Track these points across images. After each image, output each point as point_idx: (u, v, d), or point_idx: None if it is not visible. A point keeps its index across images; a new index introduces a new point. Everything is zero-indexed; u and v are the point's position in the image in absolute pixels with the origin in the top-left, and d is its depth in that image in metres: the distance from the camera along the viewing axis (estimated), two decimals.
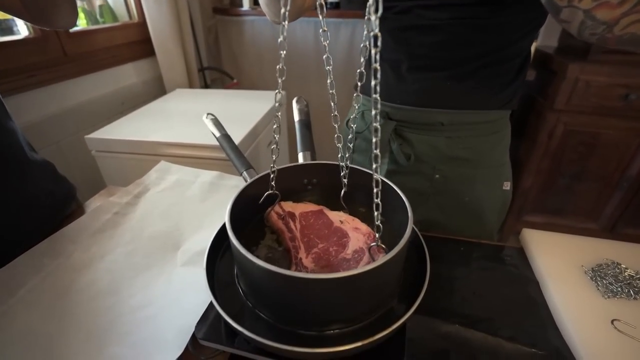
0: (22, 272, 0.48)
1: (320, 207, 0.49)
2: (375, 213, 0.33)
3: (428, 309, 0.39)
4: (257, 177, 0.46)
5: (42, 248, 0.52)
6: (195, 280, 0.49)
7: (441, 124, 0.58)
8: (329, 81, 0.41)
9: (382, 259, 0.31)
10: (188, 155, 0.87)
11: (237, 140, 0.87)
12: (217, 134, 0.60)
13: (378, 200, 0.33)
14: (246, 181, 0.51)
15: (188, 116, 1.07)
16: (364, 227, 0.46)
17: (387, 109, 0.62)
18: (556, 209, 1.42)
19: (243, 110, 1.09)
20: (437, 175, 0.62)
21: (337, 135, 0.45)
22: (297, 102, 0.60)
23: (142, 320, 0.43)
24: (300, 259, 0.42)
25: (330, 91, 0.42)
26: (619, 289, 0.46)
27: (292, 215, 0.47)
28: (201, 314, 0.41)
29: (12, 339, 0.40)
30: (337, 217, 0.47)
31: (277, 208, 0.47)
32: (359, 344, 0.30)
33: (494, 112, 0.59)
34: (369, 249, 0.39)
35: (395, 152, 0.61)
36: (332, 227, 0.46)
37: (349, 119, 0.70)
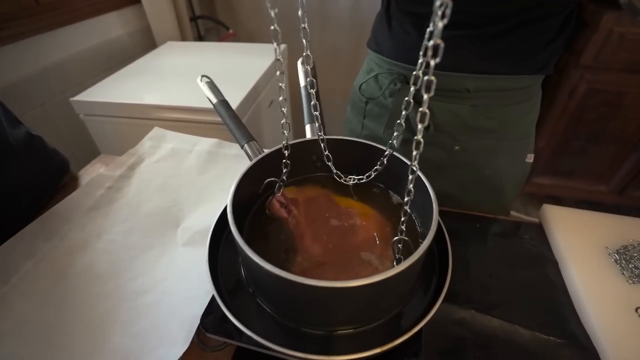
0: (13, 257, 0.45)
1: (326, 191, 0.46)
2: (405, 207, 0.31)
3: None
4: (259, 157, 0.41)
5: (33, 229, 0.49)
6: (197, 262, 0.47)
7: (467, 90, 0.52)
8: None
9: (403, 263, 0.27)
10: (184, 119, 0.80)
11: (236, 102, 0.80)
12: (214, 100, 0.54)
13: (410, 187, 0.30)
14: (247, 155, 0.47)
15: (182, 73, 0.98)
16: (372, 211, 0.43)
17: (405, 72, 0.55)
18: (567, 171, 1.38)
19: (241, 67, 1.00)
20: (456, 147, 0.57)
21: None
22: (302, 63, 0.53)
23: (145, 307, 0.41)
24: (306, 246, 0.39)
25: None
26: None
27: (295, 202, 0.44)
28: (205, 301, 0.39)
29: (10, 329, 0.38)
30: (344, 201, 0.45)
31: (278, 196, 0.43)
32: (371, 352, 0.28)
33: (528, 77, 0.52)
34: (393, 243, 0.36)
35: (412, 122, 0.55)
36: (340, 213, 0.43)
37: (361, 84, 0.62)
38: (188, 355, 0.36)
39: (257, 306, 0.35)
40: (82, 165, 0.70)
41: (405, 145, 0.59)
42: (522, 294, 0.45)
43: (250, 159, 0.46)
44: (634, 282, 0.44)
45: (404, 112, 0.26)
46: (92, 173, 0.65)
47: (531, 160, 0.59)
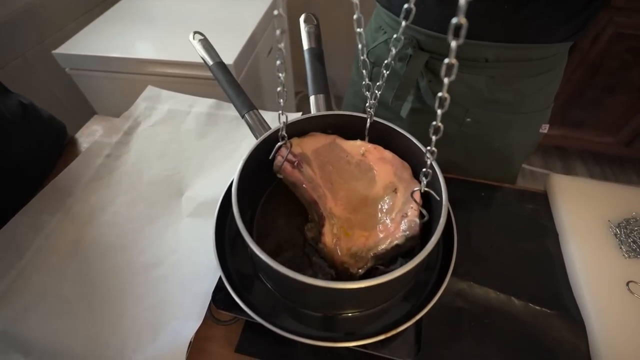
0: (23, 232, 0.46)
1: (333, 136, 0.42)
2: (428, 157, 0.29)
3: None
4: (261, 139, 0.39)
5: (37, 204, 0.49)
6: (204, 234, 0.47)
7: (485, 60, 0.47)
8: None
9: (412, 261, 0.27)
10: (178, 75, 0.75)
11: (232, 56, 0.74)
12: (210, 62, 0.50)
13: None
14: (248, 125, 0.44)
15: (170, 19, 0.89)
16: (388, 154, 0.40)
17: (419, 37, 0.49)
18: (576, 122, 1.34)
19: (236, 11, 0.90)
20: (468, 119, 0.53)
21: (363, 60, 0.37)
22: (305, 21, 0.48)
23: (156, 280, 0.43)
24: (330, 209, 0.37)
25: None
26: None
27: (305, 158, 0.40)
28: (214, 277, 0.41)
29: (31, 303, 0.40)
30: (357, 148, 0.42)
31: (289, 156, 0.39)
32: (376, 339, 0.30)
33: (555, 45, 0.46)
34: (412, 193, 0.35)
35: (423, 91, 0.51)
36: (354, 162, 0.41)
37: (369, 50, 0.56)
38: (201, 327, 0.39)
39: (263, 287, 0.36)
40: (77, 120, 0.67)
41: (414, 115, 0.56)
42: (520, 266, 0.47)
43: (251, 129, 0.44)
44: (630, 257, 0.45)
45: (438, 112, 0.23)
46: (89, 136, 0.63)
47: (545, 131, 0.56)
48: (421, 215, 0.34)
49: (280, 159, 0.38)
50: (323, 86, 0.44)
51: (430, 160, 0.28)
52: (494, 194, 0.55)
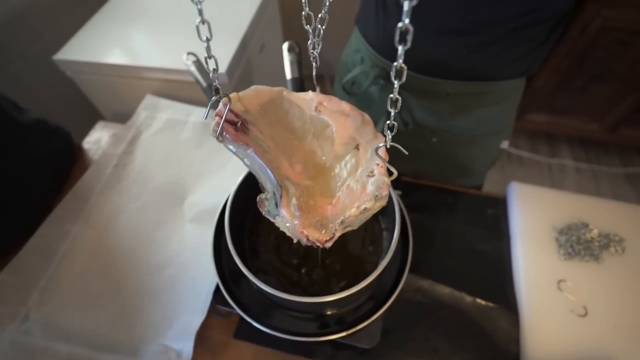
0: (50, 239, 0.54)
1: (280, 89, 0.35)
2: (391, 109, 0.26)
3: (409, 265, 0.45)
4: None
5: (59, 214, 0.56)
6: (205, 239, 0.55)
7: (447, 94, 0.52)
8: None
9: (377, 269, 0.35)
10: (179, 81, 0.79)
11: (225, 62, 0.78)
12: (204, 84, 0.55)
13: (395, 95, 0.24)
14: None
15: (167, 18, 0.90)
16: (346, 106, 0.34)
17: (388, 69, 0.54)
18: (563, 109, 1.37)
19: (230, 7, 0.91)
20: (434, 139, 0.60)
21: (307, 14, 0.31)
22: (288, 50, 0.52)
23: (167, 279, 0.52)
24: (287, 176, 0.33)
25: None
26: (577, 251, 0.53)
27: (249, 117, 0.33)
28: (214, 277, 0.49)
29: (65, 299, 0.49)
30: (307, 101, 0.35)
31: (229, 115, 0.31)
32: (342, 334, 0.39)
33: (510, 81, 0.52)
34: (376, 150, 0.31)
35: (394, 117, 0.56)
36: (307, 118, 0.35)
37: (344, 83, 0.60)
38: (205, 318, 0.47)
39: (253, 289, 0.45)
40: (79, 120, 0.71)
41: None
42: (475, 266, 0.55)
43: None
44: (565, 259, 0.53)
45: (392, 112, 0.24)
46: (95, 143, 0.69)
47: (505, 146, 0.63)
48: (389, 172, 0.31)
49: (219, 120, 0.29)
50: None
51: (393, 111, 0.25)
52: (459, 200, 0.62)
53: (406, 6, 0.17)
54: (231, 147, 0.30)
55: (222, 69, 0.75)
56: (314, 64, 0.35)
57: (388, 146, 0.30)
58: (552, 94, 1.33)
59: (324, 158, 0.35)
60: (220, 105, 0.30)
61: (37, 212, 0.57)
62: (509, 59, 0.48)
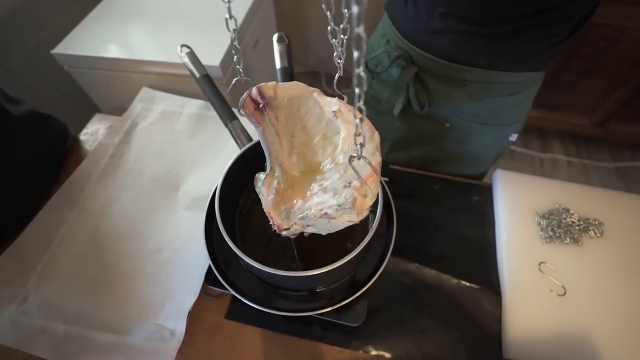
0: (49, 224, 0.55)
1: (315, 89, 0.38)
2: (357, 120, 0.25)
3: (396, 249, 0.46)
4: (241, 151, 0.47)
5: (57, 201, 0.58)
6: (198, 225, 0.56)
7: (464, 80, 0.54)
8: None
9: (361, 245, 0.37)
10: (174, 74, 0.80)
11: (218, 57, 0.79)
12: (197, 75, 0.56)
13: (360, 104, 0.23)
14: (231, 134, 0.52)
15: (163, 9, 0.92)
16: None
17: (411, 52, 0.57)
18: (553, 104, 1.40)
19: (221, 5, 0.92)
20: (447, 124, 0.62)
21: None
22: (278, 41, 0.54)
23: (161, 263, 0.53)
24: (281, 162, 0.36)
25: None
26: (557, 235, 0.55)
27: (274, 103, 0.37)
28: (206, 260, 0.51)
29: (65, 282, 0.51)
30: (331, 105, 0.37)
31: (254, 94, 0.36)
32: (326, 309, 0.40)
33: (525, 74, 0.53)
34: (349, 158, 0.29)
35: (411, 97, 0.59)
36: (325, 120, 0.37)
37: (367, 60, 0.63)
38: (197, 299, 0.49)
39: (243, 269, 0.46)
40: (77, 113, 0.73)
41: (404, 113, 0.64)
42: (461, 250, 0.57)
43: (234, 137, 0.52)
44: (546, 242, 0.55)
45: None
46: (92, 135, 0.70)
47: (514, 139, 0.65)
48: (365, 192, 0.31)
49: (245, 95, 0.36)
50: None
51: (359, 125, 0.24)
52: (446, 187, 0.64)
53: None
54: (248, 119, 0.36)
55: (216, 62, 0.77)
56: (338, 74, 0.36)
57: (359, 158, 0.28)
58: (542, 89, 1.34)
59: (321, 159, 0.37)
60: (254, 89, 0.36)
61: (33, 202, 0.58)
62: (528, 53, 0.50)
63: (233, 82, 0.37)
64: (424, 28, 0.53)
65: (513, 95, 0.57)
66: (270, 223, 0.35)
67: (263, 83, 0.37)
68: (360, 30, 0.17)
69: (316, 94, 0.38)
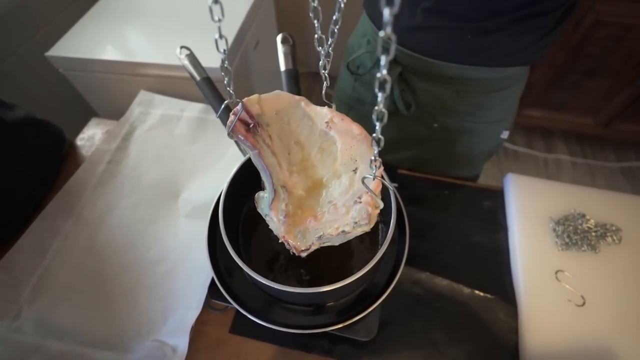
0: (43, 236, 0.53)
1: (300, 98, 0.37)
2: (375, 135, 0.26)
3: (406, 257, 0.44)
4: (246, 157, 0.45)
5: (51, 210, 0.55)
6: (199, 235, 0.54)
7: (450, 77, 0.52)
8: None
9: (373, 260, 0.34)
10: (173, 77, 0.78)
11: (218, 58, 0.77)
12: (197, 78, 0.54)
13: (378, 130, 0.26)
14: (234, 141, 0.50)
15: (160, 10, 0.90)
16: (356, 129, 0.35)
17: (395, 51, 0.54)
18: (558, 104, 1.38)
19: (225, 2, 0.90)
20: (435, 125, 0.60)
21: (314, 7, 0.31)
22: (282, 42, 0.52)
23: (161, 275, 0.51)
24: (283, 182, 0.35)
25: None
26: (574, 241, 0.53)
27: (263, 120, 0.35)
28: (209, 272, 0.49)
29: (59, 296, 0.48)
30: (321, 116, 0.36)
31: (243, 115, 0.34)
32: (337, 326, 0.38)
33: (511, 69, 0.52)
34: (362, 180, 0.30)
35: (396, 99, 0.56)
36: (318, 131, 0.36)
37: (348, 62, 0.61)
38: (200, 313, 0.47)
39: (248, 282, 0.44)
40: (73, 117, 0.70)
41: (389, 118, 0.62)
42: (472, 258, 0.55)
43: (237, 145, 0.50)
44: (562, 249, 0.53)
45: (379, 95, 0.23)
46: (88, 140, 0.68)
47: (506, 137, 0.63)
48: (376, 204, 0.32)
49: (233, 118, 0.33)
50: None
51: (376, 149, 0.26)
52: (456, 192, 0.62)
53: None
54: (240, 144, 0.34)
55: (217, 64, 0.74)
56: (325, 83, 0.37)
57: (373, 179, 0.30)
58: (547, 89, 1.33)
59: (322, 173, 0.36)
60: (239, 106, 0.33)
61: (27, 209, 0.56)
62: (514, 47, 0.48)
63: (223, 106, 0.36)
64: (407, 26, 0.51)
65: (500, 91, 0.56)
66: (287, 247, 0.34)
67: (246, 98, 0.35)
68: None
69: (303, 103, 0.37)
